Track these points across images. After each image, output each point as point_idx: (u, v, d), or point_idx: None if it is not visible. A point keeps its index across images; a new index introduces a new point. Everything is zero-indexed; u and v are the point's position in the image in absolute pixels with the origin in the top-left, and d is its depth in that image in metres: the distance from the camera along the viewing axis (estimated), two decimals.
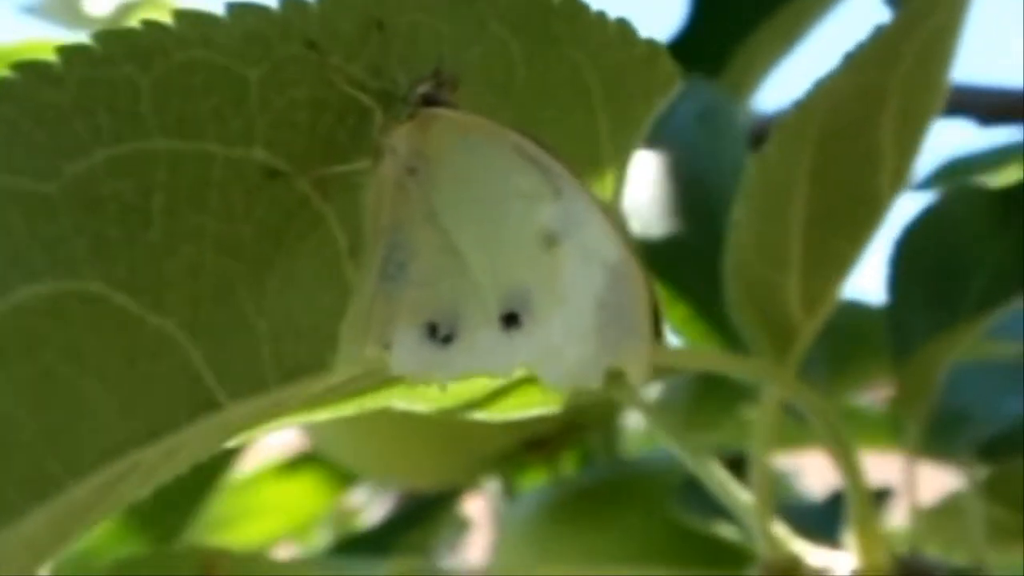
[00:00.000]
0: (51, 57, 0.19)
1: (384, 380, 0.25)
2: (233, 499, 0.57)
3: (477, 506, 0.65)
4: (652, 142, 0.30)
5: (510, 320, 0.22)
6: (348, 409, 0.26)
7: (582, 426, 0.53)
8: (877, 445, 0.47)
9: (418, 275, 0.23)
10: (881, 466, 0.41)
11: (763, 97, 0.53)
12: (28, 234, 0.19)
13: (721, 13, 0.47)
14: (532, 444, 0.53)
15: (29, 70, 0.19)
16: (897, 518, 0.47)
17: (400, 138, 0.23)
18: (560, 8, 0.26)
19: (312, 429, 0.55)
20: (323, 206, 0.23)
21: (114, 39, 0.20)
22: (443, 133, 0.23)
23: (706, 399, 0.51)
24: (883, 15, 0.33)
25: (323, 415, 0.26)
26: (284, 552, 0.59)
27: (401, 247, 0.23)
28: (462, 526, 0.66)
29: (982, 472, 0.43)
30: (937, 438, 0.43)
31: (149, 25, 0.20)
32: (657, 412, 0.39)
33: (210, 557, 0.38)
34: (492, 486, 0.61)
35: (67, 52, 0.19)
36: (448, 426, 0.49)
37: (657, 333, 0.21)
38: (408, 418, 0.49)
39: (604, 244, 0.22)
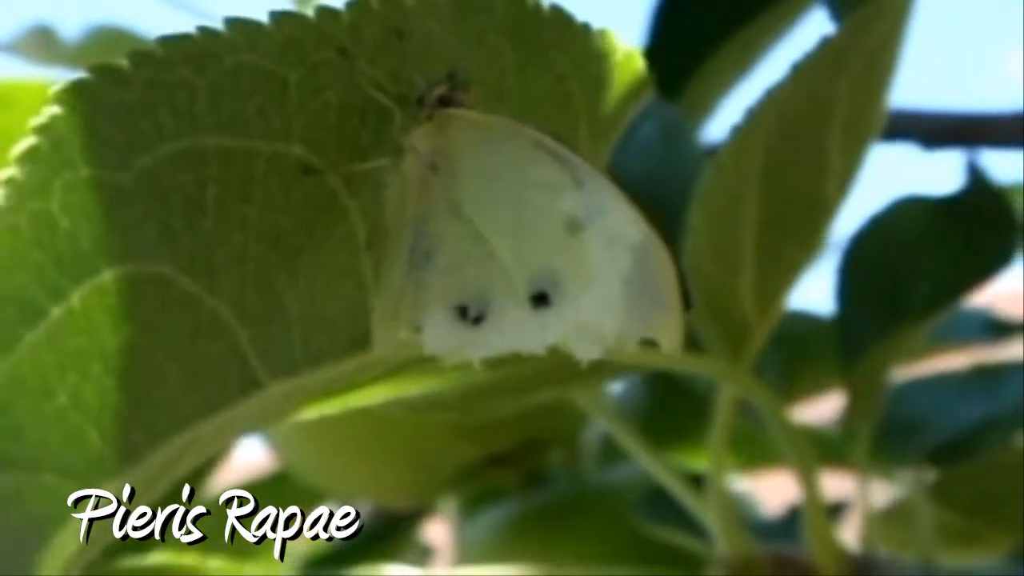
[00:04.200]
0: (122, 61, 0.21)
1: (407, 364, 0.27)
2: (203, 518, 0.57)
3: (438, 533, 0.65)
4: (617, 156, 0.32)
5: (540, 300, 0.24)
6: (379, 395, 0.28)
7: (545, 442, 0.53)
8: (828, 463, 0.48)
9: (444, 262, 0.24)
10: (832, 484, 0.43)
11: (719, 122, 0.55)
12: (107, 221, 0.20)
13: (678, 40, 0.49)
14: (495, 460, 0.52)
15: (101, 72, 0.21)
16: (850, 532, 0.48)
17: (420, 137, 0.25)
18: (550, 18, 0.28)
19: (279, 448, 0.56)
20: (349, 201, 0.25)
21: (174, 44, 0.22)
22: (461, 132, 0.25)
23: (664, 414, 0.52)
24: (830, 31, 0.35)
25: (358, 400, 0.27)
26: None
27: (426, 237, 0.25)
28: (426, 551, 0.66)
29: (931, 477, 0.45)
30: (888, 444, 0.45)
31: (204, 31, 0.22)
32: (622, 422, 0.41)
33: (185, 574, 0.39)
34: (453, 511, 0.61)
35: (135, 56, 0.21)
36: (413, 442, 0.50)
37: (686, 305, 0.23)
38: (374, 434, 0.50)
39: (627, 228, 0.23)
